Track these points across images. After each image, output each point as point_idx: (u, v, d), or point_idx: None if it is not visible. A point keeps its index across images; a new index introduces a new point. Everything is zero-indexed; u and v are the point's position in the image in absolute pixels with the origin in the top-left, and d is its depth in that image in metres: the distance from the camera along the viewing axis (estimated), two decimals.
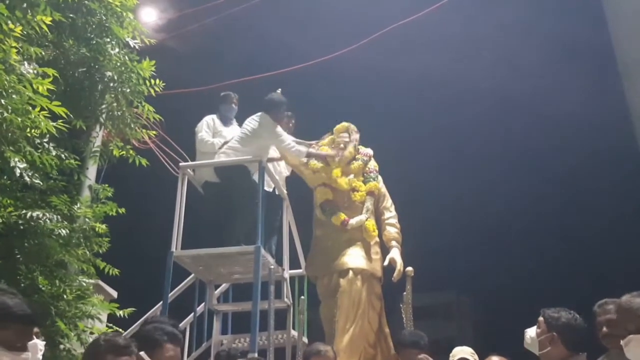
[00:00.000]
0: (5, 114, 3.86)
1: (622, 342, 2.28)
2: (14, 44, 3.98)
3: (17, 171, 4.18)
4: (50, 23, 4.45)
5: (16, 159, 4.17)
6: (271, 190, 6.25)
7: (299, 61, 9.53)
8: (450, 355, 3.93)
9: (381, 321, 5.14)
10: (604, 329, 2.88)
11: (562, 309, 2.94)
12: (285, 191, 6.40)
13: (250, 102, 6.74)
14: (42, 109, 4.22)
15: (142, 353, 2.63)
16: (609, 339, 2.87)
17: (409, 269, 5.18)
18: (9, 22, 3.94)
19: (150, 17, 8.78)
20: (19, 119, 4.01)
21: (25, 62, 4.13)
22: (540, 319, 2.95)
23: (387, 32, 8.98)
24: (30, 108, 4.13)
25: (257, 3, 9.28)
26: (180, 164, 5.99)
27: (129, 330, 5.90)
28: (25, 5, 4.16)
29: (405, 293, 5.14)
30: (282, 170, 6.50)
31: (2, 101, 3.85)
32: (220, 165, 5.78)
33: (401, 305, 5.12)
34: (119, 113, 5.68)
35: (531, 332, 3.06)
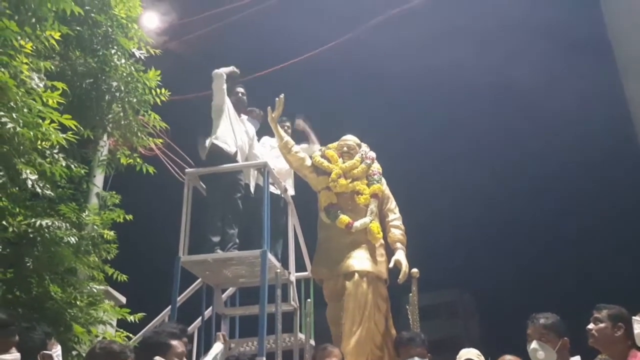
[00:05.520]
0: (18, 129, 3.94)
1: None
2: (24, 60, 4.06)
3: (29, 182, 4.26)
4: (59, 38, 4.52)
5: (27, 171, 4.25)
6: (278, 192, 6.34)
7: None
8: (457, 357, 3.98)
9: (387, 323, 5.18)
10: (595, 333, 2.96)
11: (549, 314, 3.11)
12: (291, 193, 6.48)
13: (252, 101, 6.82)
14: (52, 121, 4.29)
15: (156, 358, 2.80)
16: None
17: (415, 270, 5.23)
18: (19, 38, 4.01)
19: (154, 23, 8.84)
20: (30, 132, 4.08)
21: (36, 77, 4.19)
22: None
23: (379, 25, 8.98)
24: (41, 121, 4.19)
25: (257, 8, 9.36)
26: (186, 170, 6.07)
27: (138, 335, 6.00)
28: (34, 20, 4.23)
29: (411, 294, 5.20)
30: (285, 175, 6.59)
31: (14, 115, 3.93)
32: (229, 170, 5.84)
33: (407, 307, 5.18)
34: (125, 122, 5.75)
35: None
